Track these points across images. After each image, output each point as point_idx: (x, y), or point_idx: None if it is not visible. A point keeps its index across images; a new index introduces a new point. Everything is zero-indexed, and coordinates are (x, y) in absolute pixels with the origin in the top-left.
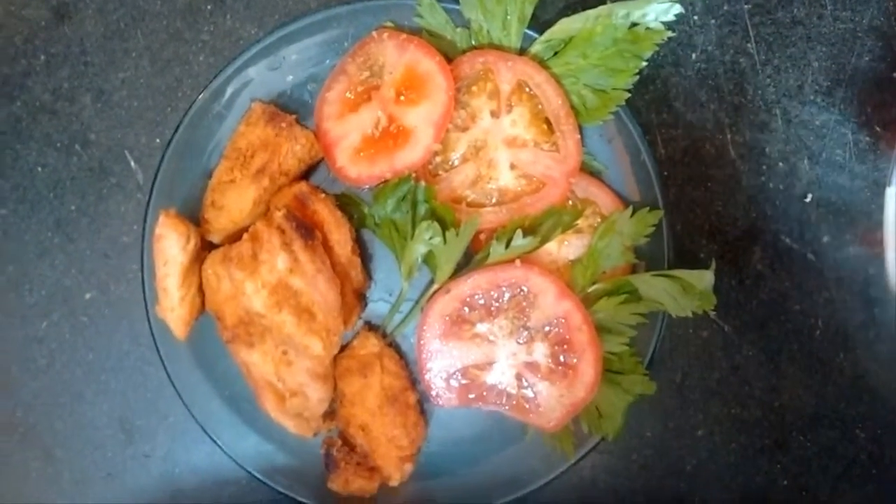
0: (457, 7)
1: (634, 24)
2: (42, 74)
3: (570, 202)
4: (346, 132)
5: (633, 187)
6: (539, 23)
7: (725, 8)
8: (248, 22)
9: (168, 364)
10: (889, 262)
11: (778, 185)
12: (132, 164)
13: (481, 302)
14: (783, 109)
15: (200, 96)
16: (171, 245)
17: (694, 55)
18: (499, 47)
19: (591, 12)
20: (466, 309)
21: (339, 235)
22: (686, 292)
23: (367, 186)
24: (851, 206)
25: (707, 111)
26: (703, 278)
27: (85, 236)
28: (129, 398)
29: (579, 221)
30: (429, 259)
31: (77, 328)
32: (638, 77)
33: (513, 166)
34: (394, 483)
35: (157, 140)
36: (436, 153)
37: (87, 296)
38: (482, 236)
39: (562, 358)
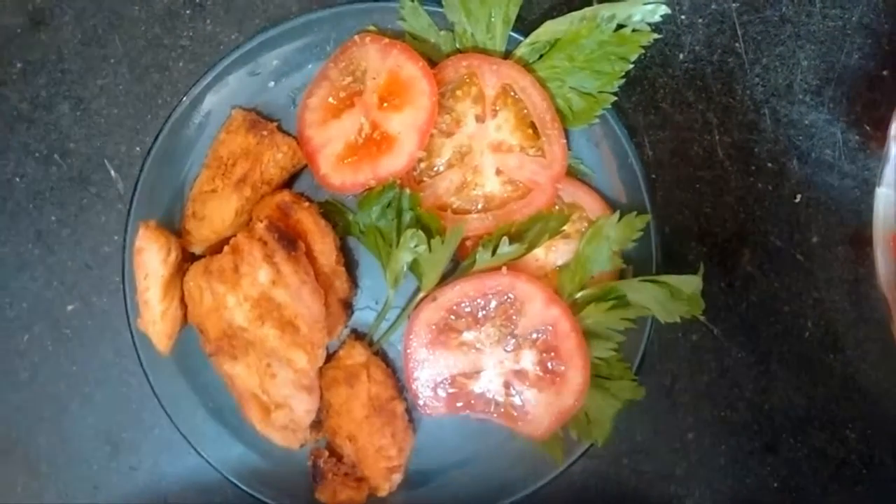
0: (440, 10)
1: (620, 26)
2: (19, 83)
3: (557, 207)
4: (329, 139)
5: (620, 191)
6: (524, 24)
7: (713, 7)
8: (228, 27)
9: (151, 376)
10: (878, 263)
11: (767, 185)
12: (112, 173)
13: (468, 310)
14: (772, 109)
15: (180, 103)
16: (151, 258)
17: (681, 55)
18: (483, 50)
19: (576, 14)
20: (453, 317)
21: (324, 245)
22: (674, 297)
23: (352, 194)
24: (841, 206)
25: (695, 112)
26: (692, 283)
27: (66, 247)
28: (114, 410)
29: (566, 227)
30: (414, 267)
31: (60, 340)
32: (624, 79)
33: (498, 172)
34: (382, 493)
35: (138, 148)
36: (420, 159)
37: (69, 307)
38: (468, 243)
39: (550, 365)
